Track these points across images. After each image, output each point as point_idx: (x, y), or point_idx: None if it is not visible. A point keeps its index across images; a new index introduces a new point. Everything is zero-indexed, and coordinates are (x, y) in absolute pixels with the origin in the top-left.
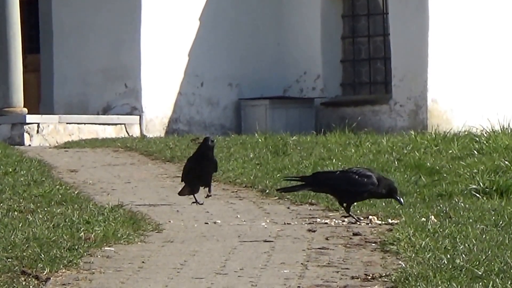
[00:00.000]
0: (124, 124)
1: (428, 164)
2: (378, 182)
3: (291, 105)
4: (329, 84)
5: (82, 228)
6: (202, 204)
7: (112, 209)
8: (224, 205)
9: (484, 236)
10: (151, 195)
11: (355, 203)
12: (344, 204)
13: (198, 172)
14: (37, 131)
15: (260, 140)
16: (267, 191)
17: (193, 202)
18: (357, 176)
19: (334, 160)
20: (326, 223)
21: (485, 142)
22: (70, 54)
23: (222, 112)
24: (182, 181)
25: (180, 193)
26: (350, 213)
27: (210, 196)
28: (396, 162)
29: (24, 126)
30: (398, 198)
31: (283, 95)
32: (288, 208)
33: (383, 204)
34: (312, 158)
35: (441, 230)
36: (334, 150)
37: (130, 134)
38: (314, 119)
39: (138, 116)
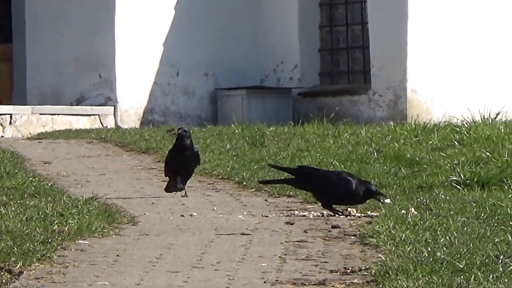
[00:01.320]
0: (98, 115)
1: (408, 155)
2: (356, 187)
3: (268, 95)
4: (306, 73)
5: (56, 221)
6: (186, 196)
7: (86, 202)
8: (201, 197)
9: (465, 229)
10: (126, 187)
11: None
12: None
13: (180, 165)
14: (10, 122)
15: (236, 131)
16: (244, 183)
17: (183, 196)
18: (336, 178)
19: (312, 152)
20: (305, 215)
21: (465, 132)
22: (43, 43)
23: (198, 102)
24: (165, 175)
25: (167, 190)
26: (327, 207)
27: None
28: (375, 153)
29: None
30: (380, 195)
31: (260, 84)
32: (266, 200)
33: None
34: (289, 149)
35: (421, 222)
36: (312, 141)
37: (105, 125)
38: (292, 109)
39: (113, 107)
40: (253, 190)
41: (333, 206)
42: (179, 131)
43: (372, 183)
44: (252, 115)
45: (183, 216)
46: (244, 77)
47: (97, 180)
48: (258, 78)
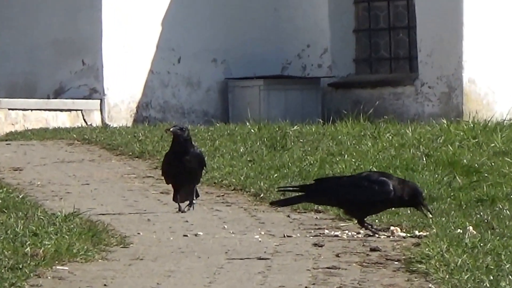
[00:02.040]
0: (81, 110)
1: (465, 161)
2: (395, 189)
3: (292, 86)
4: (339, 60)
5: (28, 242)
6: (184, 211)
7: (66, 218)
8: (208, 212)
9: None
10: (115, 200)
11: (367, 216)
12: (354, 219)
13: (180, 172)
14: None
15: (252, 130)
16: (262, 195)
17: (183, 211)
18: (367, 183)
19: (346, 156)
20: (337, 235)
21: None
22: (13, 24)
23: (204, 95)
24: (167, 183)
25: (174, 199)
26: (365, 225)
27: (194, 203)
28: (424, 159)
29: None
30: (424, 207)
31: (281, 73)
32: (288, 216)
33: (408, 211)
34: (318, 154)
35: (481, 244)
36: (346, 143)
37: (89, 123)
38: (321, 104)
39: (99, 100)
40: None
41: (374, 226)
42: (171, 130)
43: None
44: (271, 111)
45: (186, 236)
46: (261, 64)
47: (79, 191)
48: (279, 65)
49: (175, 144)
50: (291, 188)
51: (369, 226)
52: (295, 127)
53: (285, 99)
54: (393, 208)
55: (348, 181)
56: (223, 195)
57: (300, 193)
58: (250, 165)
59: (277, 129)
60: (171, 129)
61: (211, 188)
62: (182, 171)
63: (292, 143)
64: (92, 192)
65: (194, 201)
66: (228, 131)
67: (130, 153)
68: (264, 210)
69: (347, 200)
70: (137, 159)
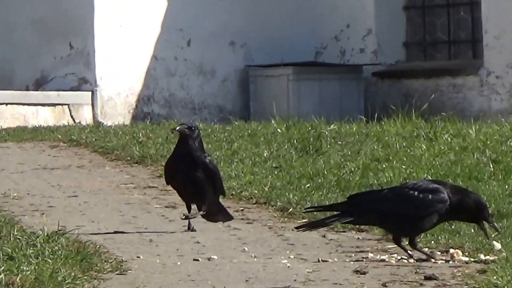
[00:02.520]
0: (68, 104)
1: None
2: (451, 199)
3: (327, 75)
4: (386, 43)
5: (2, 268)
6: (193, 230)
7: (49, 238)
8: (224, 231)
9: None
10: (109, 216)
11: (419, 235)
12: (404, 239)
13: (183, 182)
14: None
15: (279, 130)
16: (291, 209)
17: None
18: (416, 192)
19: (394, 162)
20: (383, 260)
21: None
22: None
23: (220, 86)
24: (166, 183)
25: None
26: (417, 247)
27: (203, 213)
28: (491, 165)
29: None
30: (489, 223)
31: (314, 60)
32: (324, 236)
33: (472, 230)
34: (360, 159)
35: None
36: (395, 146)
37: (77, 121)
38: (363, 97)
39: (90, 93)
40: (304, 220)
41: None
42: (178, 129)
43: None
44: (302, 106)
45: (197, 260)
46: (290, 48)
47: (65, 204)
48: (312, 50)
49: (179, 147)
50: (320, 209)
51: (423, 250)
52: (331, 126)
53: (319, 91)
54: (452, 226)
55: (391, 193)
56: (242, 210)
57: (334, 213)
58: (276, 172)
59: (309, 128)
60: (177, 128)
61: (228, 201)
62: (185, 181)
63: (328, 146)
64: (81, 206)
65: (193, 215)
66: (249, 131)
67: (128, 158)
68: (293, 229)
69: (392, 215)
70: (136, 165)
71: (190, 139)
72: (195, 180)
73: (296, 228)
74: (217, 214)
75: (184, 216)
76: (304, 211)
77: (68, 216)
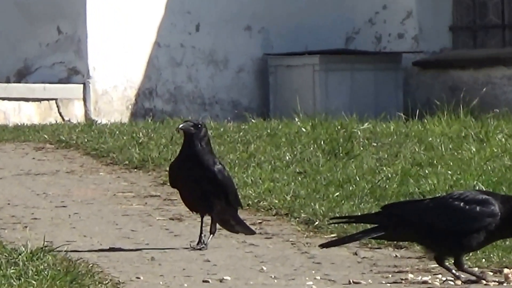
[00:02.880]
0: (56, 99)
1: None
2: (503, 212)
3: (360, 65)
4: (429, 27)
5: None
6: (203, 247)
7: (33, 255)
8: (238, 247)
9: None
10: (104, 230)
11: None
12: (448, 258)
13: (189, 190)
14: None
15: (303, 129)
16: (317, 222)
17: (191, 241)
18: (462, 203)
19: (439, 167)
20: (425, 282)
21: None
22: None
23: (234, 78)
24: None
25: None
26: (464, 268)
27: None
28: None
29: None
30: None
31: (345, 47)
32: (355, 254)
33: None
34: (398, 164)
35: None
36: (439, 148)
37: (67, 118)
38: (402, 91)
39: (81, 85)
40: (333, 235)
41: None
42: (181, 127)
43: None
44: (331, 101)
45: (207, 282)
46: (316, 33)
47: (52, 216)
48: (342, 35)
49: (184, 148)
50: (349, 220)
51: (471, 271)
52: (365, 125)
53: (350, 84)
54: (506, 242)
55: (433, 204)
56: (260, 223)
57: (369, 227)
58: (299, 179)
59: (338, 127)
60: (180, 126)
61: (243, 212)
62: (191, 191)
63: (361, 148)
64: (70, 218)
65: (208, 238)
66: (268, 130)
67: (126, 162)
68: (319, 245)
69: (434, 230)
70: (136, 170)
71: (196, 139)
72: (201, 188)
73: (322, 245)
74: (235, 224)
75: (191, 246)
76: (330, 222)
77: (56, 229)
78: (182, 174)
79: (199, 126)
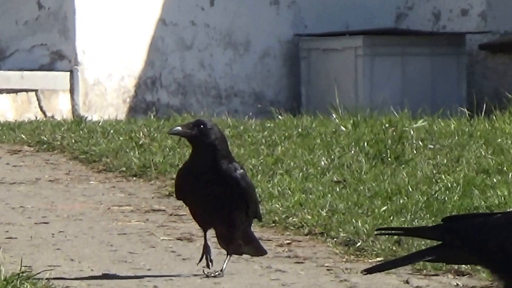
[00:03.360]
0: (36, 90)
1: None
2: None
3: (414, 49)
4: (499, 2)
5: None
6: (219, 273)
7: (8, 283)
8: (262, 274)
9: None
10: (96, 252)
11: None
12: None
13: (200, 200)
14: None
15: (343, 128)
16: (359, 243)
17: (203, 266)
18: None
19: (510, 175)
20: None
21: None
22: None
23: (257, 64)
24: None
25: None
26: None
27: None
28: None
29: None
30: None
31: (395, 27)
32: (407, 282)
33: None
34: (460, 170)
35: None
36: (510, 151)
37: (49, 114)
38: (466, 80)
39: (68, 73)
40: (378, 259)
41: None
42: (174, 131)
43: None
44: (377, 93)
45: None
46: (360, 10)
47: (31, 235)
48: (392, 12)
49: (196, 153)
50: (395, 232)
51: None
52: (419, 123)
53: (402, 71)
54: None
55: (505, 219)
56: (289, 244)
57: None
58: (338, 190)
59: (387, 125)
60: (173, 130)
61: (268, 230)
62: (205, 203)
63: (414, 152)
64: (54, 237)
65: (225, 262)
66: (300, 129)
67: (124, 169)
68: (362, 272)
69: (503, 252)
70: (135, 178)
71: (205, 142)
72: (219, 199)
73: (366, 271)
74: (244, 244)
75: (205, 273)
76: (377, 233)
77: (36, 251)
78: (194, 183)
79: (205, 126)
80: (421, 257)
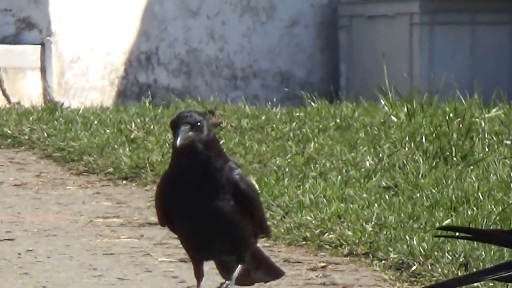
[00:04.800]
0: None
1: None
2: None
3: (486, 16)
4: None
5: None
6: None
7: None
8: None
9: None
10: (74, 277)
11: None
12: None
13: (192, 218)
14: None
15: (394, 118)
16: (415, 267)
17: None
18: None
19: None
20: None
21: None
22: None
23: (283, 36)
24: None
25: (196, 276)
26: None
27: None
28: None
29: None
30: None
31: None
32: None
33: None
34: None
35: None
36: None
37: (14, 100)
38: None
39: (39, 47)
40: None
41: None
42: (181, 141)
43: None
44: (438, 72)
45: None
46: None
47: None
48: None
49: (181, 158)
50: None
51: None
52: (492, 112)
53: (470, 45)
54: None
55: None
56: (324, 267)
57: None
58: (388, 198)
59: (450, 115)
60: (179, 141)
61: (297, 250)
62: (200, 220)
63: (487, 149)
64: (21, 258)
65: (236, 271)
66: (338, 120)
67: (111, 170)
68: None
69: None
70: (125, 182)
71: (200, 143)
72: (220, 215)
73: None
74: (254, 270)
75: None
76: (435, 235)
77: (0, 274)
78: (183, 196)
79: (198, 124)
80: (497, 273)
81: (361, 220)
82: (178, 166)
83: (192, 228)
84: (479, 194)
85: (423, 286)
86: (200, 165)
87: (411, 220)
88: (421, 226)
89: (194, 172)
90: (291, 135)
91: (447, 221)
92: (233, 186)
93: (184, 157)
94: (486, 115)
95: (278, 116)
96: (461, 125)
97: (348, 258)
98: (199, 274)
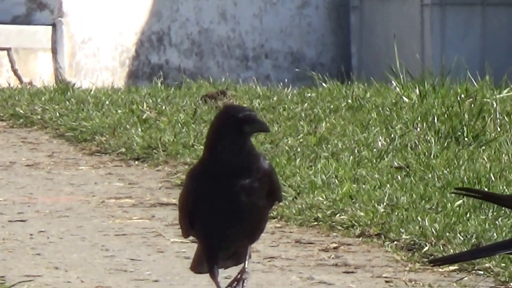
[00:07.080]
0: (8, 49)
1: None
2: None
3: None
4: None
5: None
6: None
7: None
8: (301, 286)
9: None
10: (87, 258)
11: None
12: None
13: (228, 210)
14: None
15: (405, 99)
16: (426, 248)
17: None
18: None
19: None
20: None
21: None
22: None
23: (294, 16)
24: (185, 235)
25: (193, 268)
26: None
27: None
28: None
29: None
30: None
31: None
32: None
33: None
34: None
35: None
36: None
37: (26, 80)
38: None
39: (50, 27)
40: (452, 268)
41: None
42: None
43: None
44: (449, 54)
45: None
46: None
47: (4, 236)
48: None
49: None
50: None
51: None
52: (504, 92)
53: (482, 25)
54: None
55: None
56: (336, 248)
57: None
58: (400, 178)
59: (462, 95)
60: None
61: (309, 231)
62: (234, 213)
63: (499, 129)
64: (33, 239)
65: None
66: (350, 100)
67: (123, 150)
68: (428, 262)
69: None
70: (138, 163)
71: (246, 132)
72: (253, 205)
73: (431, 262)
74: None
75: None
76: (453, 191)
77: (10, 257)
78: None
79: (246, 114)
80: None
81: (373, 201)
82: (218, 161)
83: (223, 223)
84: (491, 175)
85: (433, 257)
86: (245, 156)
87: (423, 201)
88: (433, 207)
89: (238, 163)
90: (303, 115)
91: (459, 202)
92: (267, 177)
93: (238, 149)
94: (498, 96)
95: (289, 97)
96: (472, 105)
97: (360, 239)
98: (214, 275)
